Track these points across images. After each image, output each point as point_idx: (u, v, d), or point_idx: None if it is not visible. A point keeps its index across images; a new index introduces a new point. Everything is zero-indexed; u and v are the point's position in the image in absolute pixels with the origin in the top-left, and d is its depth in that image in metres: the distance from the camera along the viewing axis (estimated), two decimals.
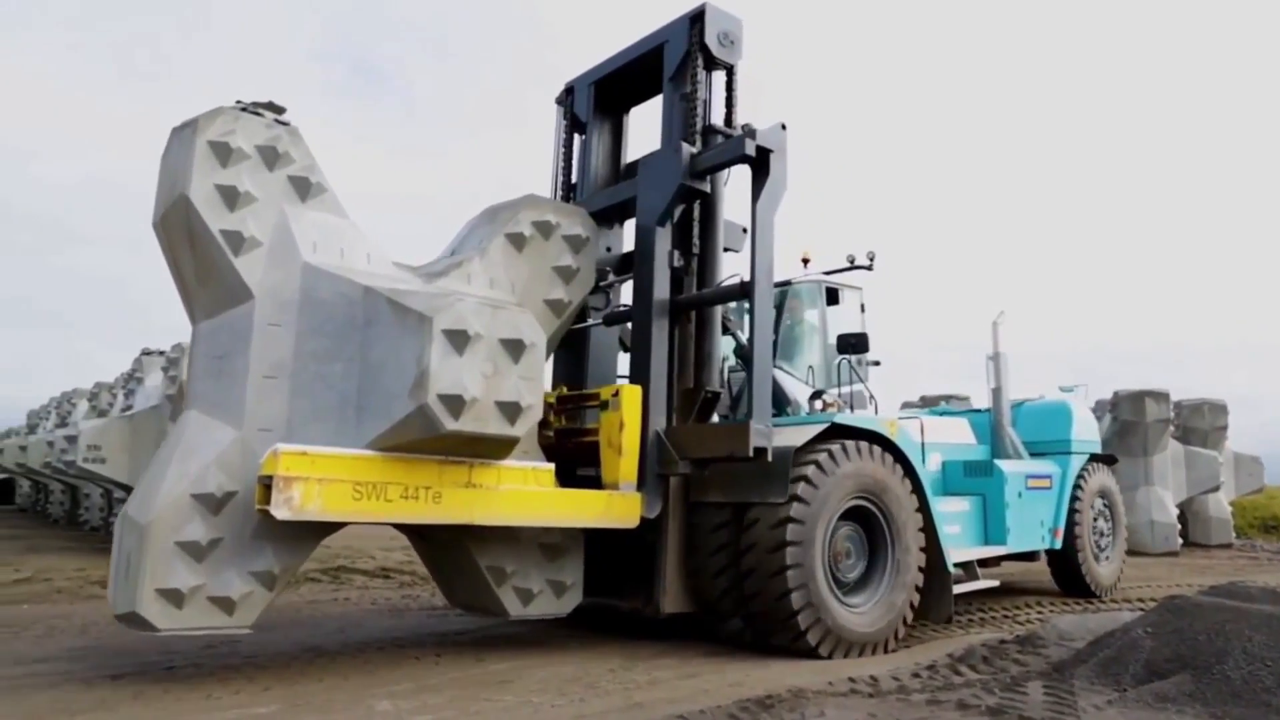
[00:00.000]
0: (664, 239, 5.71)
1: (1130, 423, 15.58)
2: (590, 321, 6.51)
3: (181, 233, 4.60)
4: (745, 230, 6.42)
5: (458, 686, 4.45)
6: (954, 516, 7.32)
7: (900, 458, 6.01)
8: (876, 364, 7.59)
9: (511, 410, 4.45)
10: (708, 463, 5.45)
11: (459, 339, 4.30)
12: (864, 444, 5.72)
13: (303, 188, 4.82)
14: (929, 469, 7.65)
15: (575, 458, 5.83)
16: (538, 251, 5.66)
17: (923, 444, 7.17)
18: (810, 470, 5.36)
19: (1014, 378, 8.65)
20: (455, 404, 4.24)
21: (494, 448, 4.59)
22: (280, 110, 4.90)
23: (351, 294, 4.67)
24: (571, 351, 6.69)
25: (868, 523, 5.82)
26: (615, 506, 5.27)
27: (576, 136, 7.12)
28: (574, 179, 7.02)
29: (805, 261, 7.77)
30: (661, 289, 5.66)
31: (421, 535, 5.50)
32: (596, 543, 5.78)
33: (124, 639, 5.64)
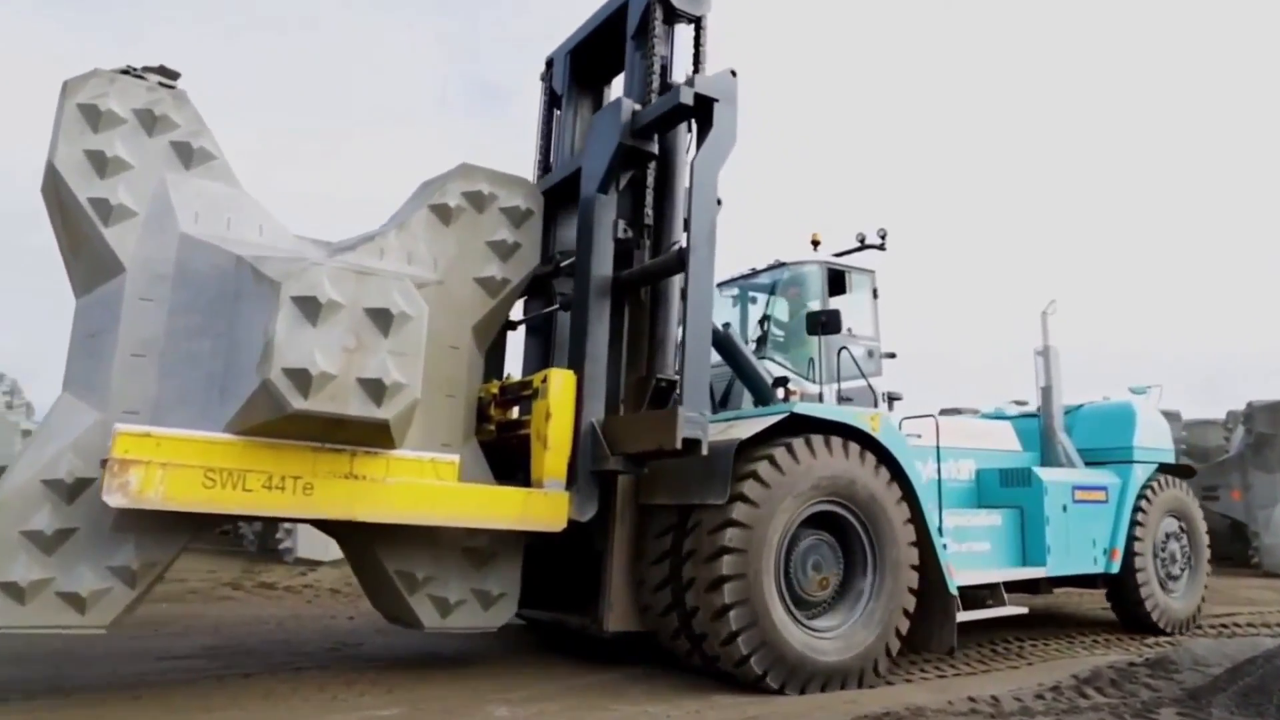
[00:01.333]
0: (606, 207, 5.10)
1: (1266, 435, 14.08)
2: (554, 307, 5.95)
3: (53, 202, 4.31)
4: (718, 201, 5.74)
5: (573, 694, 4.48)
6: (982, 531, 6.35)
7: (887, 459, 5.16)
8: (891, 356, 6.71)
9: (376, 389, 3.93)
10: (644, 459, 4.78)
11: (310, 307, 3.82)
12: (835, 440, 4.91)
13: (186, 154, 4.47)
14: (956, 477, 6.70)
15: (519, 455, 5.27)
16: (469, 225, 5.15)
17: (938, 447, 6.23)
18: (760, 467, 4.61)
19: (1124, 381, 7.69)
20: (302, 380, 3.75)
21: (363, 432, 4.07)
22: (173, 75, 4.58)
23: (226, 265, 4.27)
24: (538, 340, 6.16)
25: (844, 534, 5.00)
26: (535, 507, 4.66)
27: (556, 112, 6.62)
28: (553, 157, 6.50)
29: (815, 244, 6.99)
30: (601, 263, 5.04)
31: (338, 535, 5.05)
32: (546, 551, 5.19)
33: (253, 639, 5.90)
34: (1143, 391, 8.23)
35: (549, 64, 6.63)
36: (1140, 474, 7.26)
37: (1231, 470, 14.30)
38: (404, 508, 4.34)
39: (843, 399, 6.27)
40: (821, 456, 4.81)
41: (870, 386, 6.47)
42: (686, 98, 4.71)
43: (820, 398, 6.19)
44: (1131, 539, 7.03)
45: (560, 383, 4.82)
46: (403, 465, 4.38)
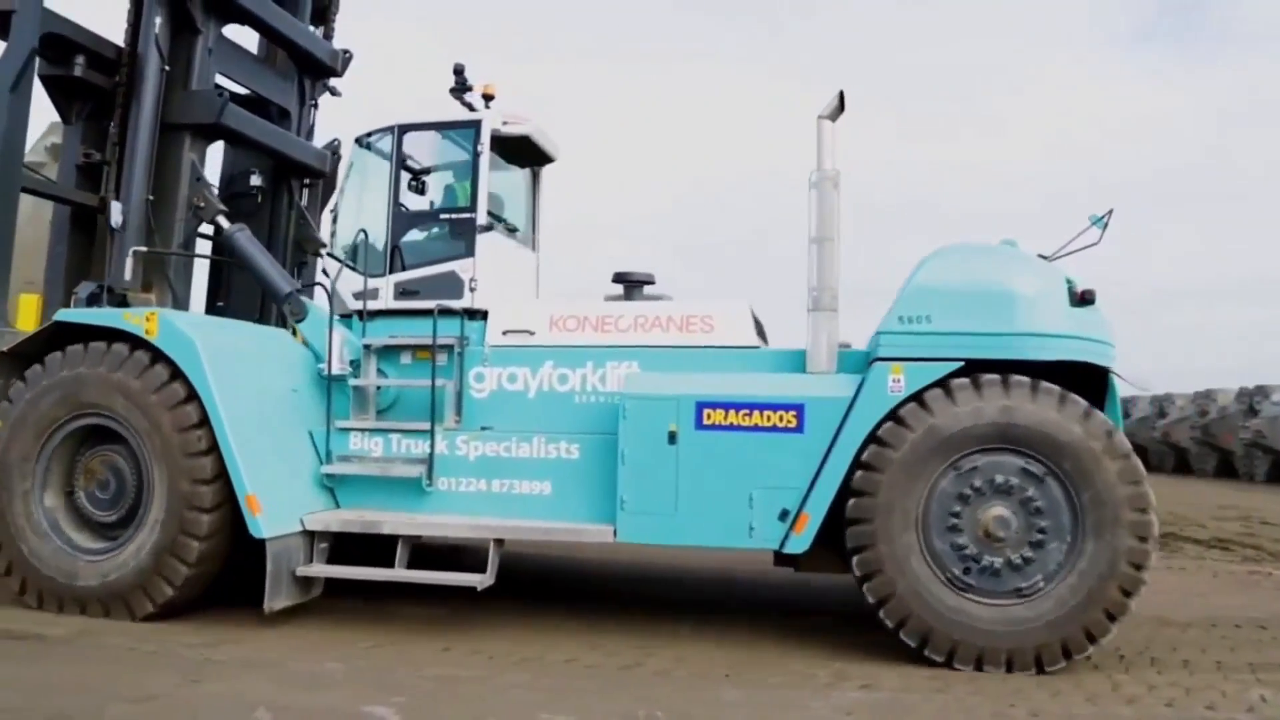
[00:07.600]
0: None
1: None
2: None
3: None
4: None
5: None
6: (537, 467, 4.41)
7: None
8: (487, 229, 4.90)
9: None
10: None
11: None
12: (98, 348, 4.46)
13: None
14: (576, 389, 4.70)
15: None
16: None
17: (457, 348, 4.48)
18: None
19: None
20: None
21: None
22: None
23: None
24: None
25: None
26: None
27: None
28: None
29: (488, 99, 5.47)
30: None
31: None
32: None
33: None
34: (1099, 222, 4.11)
35: None
36: (894, 380, 3.81)
37: None
38: None
39: (405, 293, 5.00)
40: (75, 368, 4.48)
41: (456, 273, 4.94)
42: None
43: (378, 294, 5.03)
44: (851, 494, 3.80)
45: None
46: None
